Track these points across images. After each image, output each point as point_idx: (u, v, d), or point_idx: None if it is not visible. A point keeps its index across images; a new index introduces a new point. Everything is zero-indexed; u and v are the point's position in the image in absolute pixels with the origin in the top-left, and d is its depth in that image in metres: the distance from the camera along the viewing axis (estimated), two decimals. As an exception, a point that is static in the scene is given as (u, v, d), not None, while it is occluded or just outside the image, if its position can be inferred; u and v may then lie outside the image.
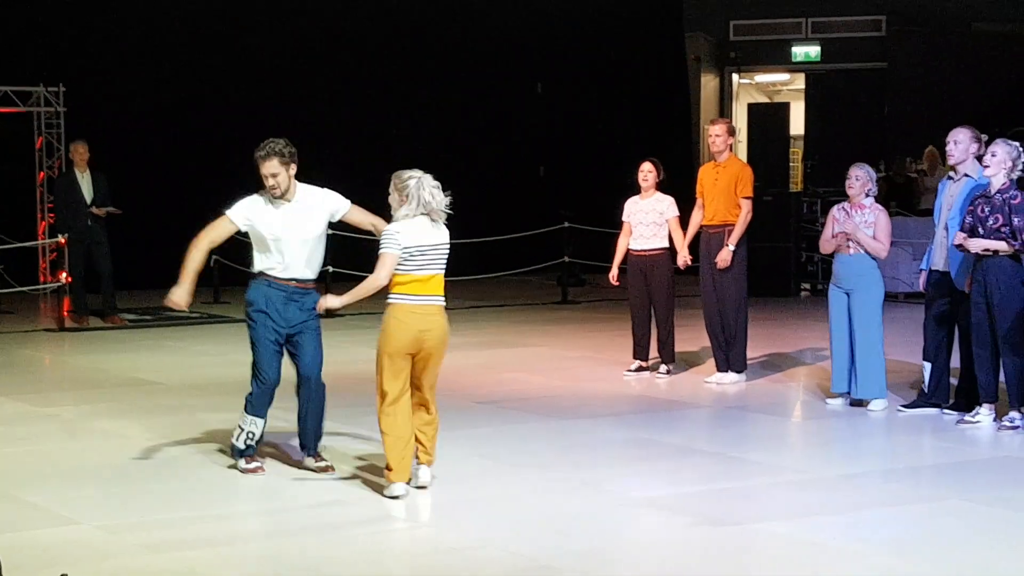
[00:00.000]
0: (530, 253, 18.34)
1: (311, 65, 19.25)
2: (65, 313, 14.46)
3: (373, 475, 7.42)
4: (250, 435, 7.52)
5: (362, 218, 7.59)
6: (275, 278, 7.41)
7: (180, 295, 7.44)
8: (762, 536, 6.34)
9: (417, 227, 6.86)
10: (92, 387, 10.62)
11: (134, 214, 15.54)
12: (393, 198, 6.93)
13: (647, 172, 10.91)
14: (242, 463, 7.59)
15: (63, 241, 14.54)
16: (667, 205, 10.90)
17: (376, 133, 19.21)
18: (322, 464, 7.58)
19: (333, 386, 7.87)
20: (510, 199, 20.31)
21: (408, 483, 6.94)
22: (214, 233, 7.50)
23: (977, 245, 8.56)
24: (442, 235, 6.95)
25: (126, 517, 6.66)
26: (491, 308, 16.29)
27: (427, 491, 7.07)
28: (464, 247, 18.06)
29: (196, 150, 18.13)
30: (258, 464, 7.61)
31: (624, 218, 11.04)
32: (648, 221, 10.88)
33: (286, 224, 7.36)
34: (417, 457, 7.07)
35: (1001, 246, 8.50)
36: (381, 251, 6.87)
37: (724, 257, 10.37)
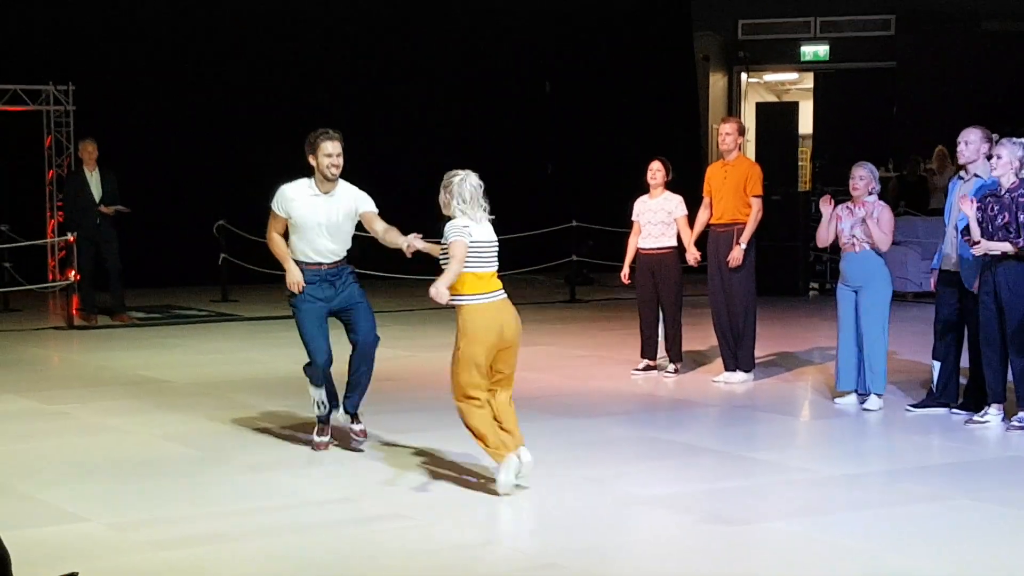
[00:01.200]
0: (538, 252, 18.34)
1: (320, 64, 19.27)
2: (74, 311, 14.49)
3: (381, 473, 7.44)
4: (319, 404, 7.98)
5: (375, 224, 7.79)
6: (305, 264, 7.80)
7: (294, 276, 7.77)
8: (768, 534, 6.34)
9: (481, 227, 6.97)
10: (101, 385, 10.64)
11: (143, 213, 15.56)
12: (442, 196, 7.01)
13: (655, 171, 10.92)
14: (315, 437, 8.05)
15: (72, 239, 14.57)
16: (676, 204, 10.91)
17: (384, 131, 19.22)
18: (360, 427, 7.96)
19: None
20: (518, 198, 20.28)
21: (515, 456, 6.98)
22: (276, 228, 7.87)
23: (983, 248, 8.53)
24: (493, 233, 7.09)
25: (135, 514, 6.68)
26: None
27: (433, 489, 7.08)
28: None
29: (205, 149, 18.17)
30: (324, 440, 8.04)
31: (633, 217, 11.05)
32: (657, 220, 10.89)
33: (319, 214, 7.73)
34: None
35: (1005, 247, 8.49)
36: (452, 239, 6.85)
37: (736, 256, 10.37)
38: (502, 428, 7.03)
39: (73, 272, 14.79)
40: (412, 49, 19.94)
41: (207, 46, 18.71)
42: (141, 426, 8.90)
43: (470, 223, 6.94)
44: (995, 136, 9.15)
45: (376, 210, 7.85)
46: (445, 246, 6.90)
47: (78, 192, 14.47)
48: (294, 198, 7.76)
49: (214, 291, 16.82)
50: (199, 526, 6.46)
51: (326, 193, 7.76)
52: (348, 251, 7.94)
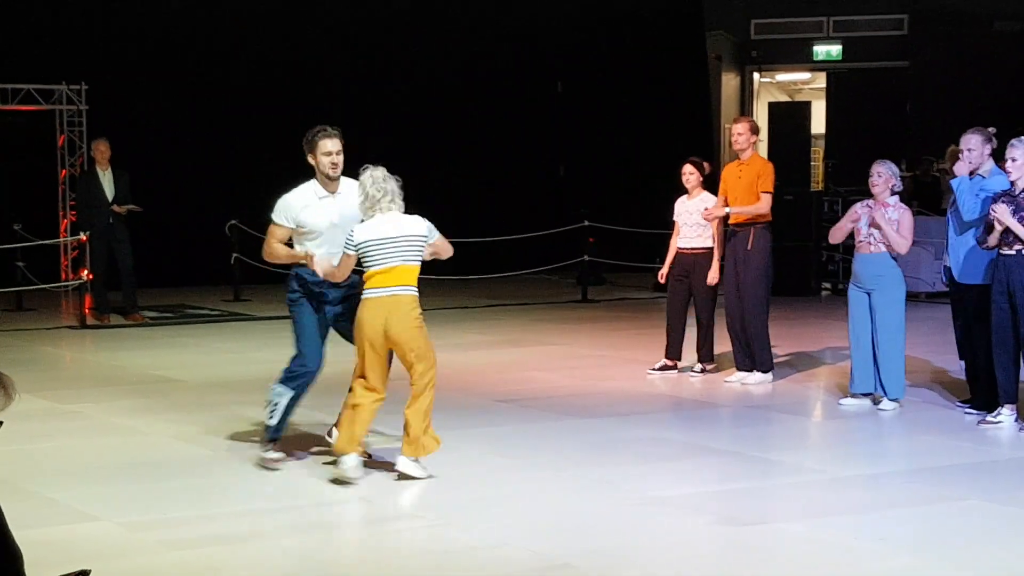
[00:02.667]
0: (550, 252, 18.34)
1: (331, 63, 19.29)
2: (87, 310, 14.53)
3: (394, 474, 7.44)
4: (275, 406, 7.58)
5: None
6: (308, 278, 7.52)
7: (321, 260, 7.40)
8: (782, 536, 6.33)
9: (375, 223, 7.14)
10: (113, 384, 10.67)
11: (155, 212, 15.59)
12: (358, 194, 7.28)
13: (688, 174, 10.95)
14: (269, 452, 7.68)
15: (85, 239, 14.61)
16: (712, 205, 10.90)
17: (396, 132, 19.22)
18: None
19: (340, 384, 7.88)
20: (530, 198, 20.30)
21: (358, 455, 7.28)
22: (278, 237, 7.59)
23: (1000, 212, 8.51)
24: (407, 227, 7.18)
25: (147, 513, 6.68)
26: (511, 307, 16.29)
27: (447, 490, 7.09)
28: (484, 246, 18.16)
29: (217, 148, 18.20)
30: (278, 457, 7.66)
31: (674, 218, 11.09)
32: (693, 221, 10.91)
33: (331, 215, 7.49)
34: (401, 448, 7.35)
35: (1020, 230, 8.47)
36: (342, 251, 7.27)
37: (712, 276, 10.63)
38: (404, 431, 7.26)
39: (86, 271, 14.83)
40: (423, 49, 19.94)
41: (220, 46, 18.74)
42: (153, 426, 8.91)
43: (360, 227, 7.15)
44: (992, 130, 9.16)
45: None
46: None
47: (91, 191, 14.52)
48: (303, 206, 7.47)
49: (226, 290, 16.85)
50: (211, 526, 6.46)
51: (333, 193, 7.51)
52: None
